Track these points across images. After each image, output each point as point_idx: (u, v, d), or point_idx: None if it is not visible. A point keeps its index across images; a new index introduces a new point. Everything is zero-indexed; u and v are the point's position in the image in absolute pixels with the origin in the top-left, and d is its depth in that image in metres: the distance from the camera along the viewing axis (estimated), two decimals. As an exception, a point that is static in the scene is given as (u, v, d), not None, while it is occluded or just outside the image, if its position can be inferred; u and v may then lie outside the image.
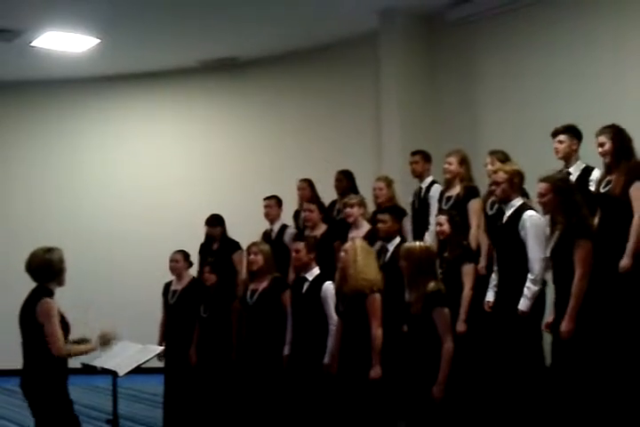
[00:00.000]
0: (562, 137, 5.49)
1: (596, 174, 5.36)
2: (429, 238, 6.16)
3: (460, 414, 4.99)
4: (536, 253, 4.97)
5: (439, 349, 4.59)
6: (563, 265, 4.67)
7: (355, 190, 7.12)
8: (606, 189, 5.04)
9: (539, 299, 5.06)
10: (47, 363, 4.52)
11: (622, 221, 4.88)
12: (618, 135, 5.03)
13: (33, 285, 4.70)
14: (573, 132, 5.50)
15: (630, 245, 4.78)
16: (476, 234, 5.89)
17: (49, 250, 4.67)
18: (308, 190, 7.40)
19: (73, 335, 4.72)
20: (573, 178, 5.39)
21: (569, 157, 5.50)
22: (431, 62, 7.89)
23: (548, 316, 4.88)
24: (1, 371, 8.98)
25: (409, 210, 6.67)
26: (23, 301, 4.65)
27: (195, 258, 7.21)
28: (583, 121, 5.60)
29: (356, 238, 5.63)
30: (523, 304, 5.02)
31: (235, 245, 7.28)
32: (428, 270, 4.76)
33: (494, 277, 5.40)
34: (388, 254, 5.83)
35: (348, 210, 6.42)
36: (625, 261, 4.78)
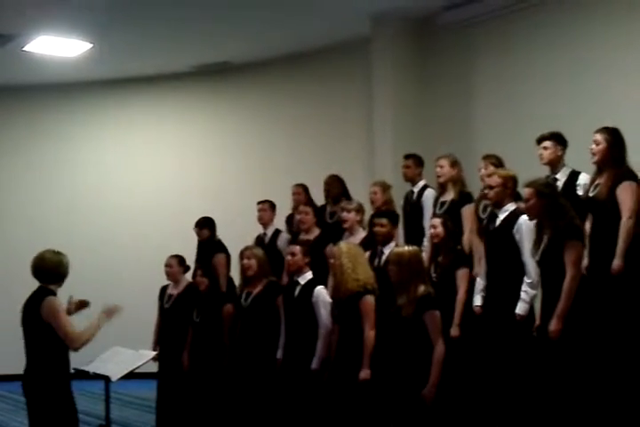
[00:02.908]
0: (547, 143, 5.55)
1: (583, 179, 5.41)
2: (427, 244, 6.14)
3: (450, 416, 5.00)
4: (532, 257, 4.97)
5: (430, 351, 4.62)
6: (552, 268, 4.67)
7: (346, 195, 7.13)
8: (594, 192, 5.07)
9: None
10: (51, 363, 4.55)
11: (611, 224, 4.91)
12: (615, 138, 5.07)
13: (27, 292, 4.71)
14: (558, 139, 5.55)
15: (620, 247, 4.82)
16: (469, 238, 5.90)
17: (58, 252, 4.74)
18: (302, 195, 7.38)
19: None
20: (561, 183, 5.44)
21: (555, 164, 5.55)
22: (423, 66, 7.90)
23: (537, 320, 4.87)
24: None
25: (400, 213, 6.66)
26: (24, 302, 4.67)
27: (192, 261, 7.22)
28: (577, 124, 5.63)
29: (341, 243, 5.64)
30: (520, 308, 5.04)
31: (218, 248, 7.22)
32: (418, 274, 4.80)
33: (480, 282, 5.41)
34: (384, 258, 5.81)
35: (345, 215, 6.35)
36: (616, 263, 4.81)
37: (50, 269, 4.66)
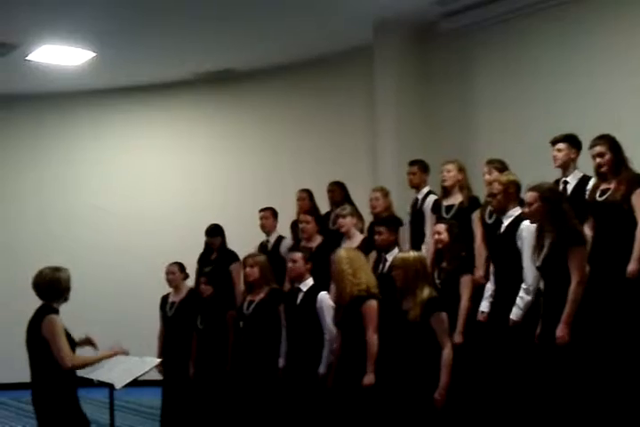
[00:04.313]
0: (561, 145, 5.49)
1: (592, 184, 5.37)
2: (425, 250, 6.14)
3: (459, 420, 4.98)
4: (531, 262, 4.95)
5: (439, 354, 4.63)
6: (555, 274, 4.66)
7: (349, 200, 7.14)
8: (604, 197, 5.04)
9: (534, 309, 5.03)
10: (56, 378, 4.53)
11: (622, 228, 4.89)
12: (615, 145, 5.06)
13: (30, 301, 4.70)
14: (572, 142, 5.50)
15: (637, 250, 4.77)
16: (480, 246, 5.85)
17: (57, 269, 4.70)
18: (307, 201, 7.40)
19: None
20: (571, 187, 5.42)
21: (567, 166, 5.50)
22: (426, 73, 7.91)
23: (539, 327, 4.84)
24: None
25: (406, 220, 6.65)
26: (29, 320, 4.65)
27: (193, 268, 7.20)
28: (580, 130, 5.61)
29: (340, 249, 5.66)
30: (514, 314, 5.02)
31: (233, 257, 7.27)
32: (423, 278, 4.84)
33: (489, 287, 5.39)
34: (387, 264, 5.82)
35: (341, 220, 6.44)
36: (633, 266, 4.77)
37: (48, 287, 4.62)
